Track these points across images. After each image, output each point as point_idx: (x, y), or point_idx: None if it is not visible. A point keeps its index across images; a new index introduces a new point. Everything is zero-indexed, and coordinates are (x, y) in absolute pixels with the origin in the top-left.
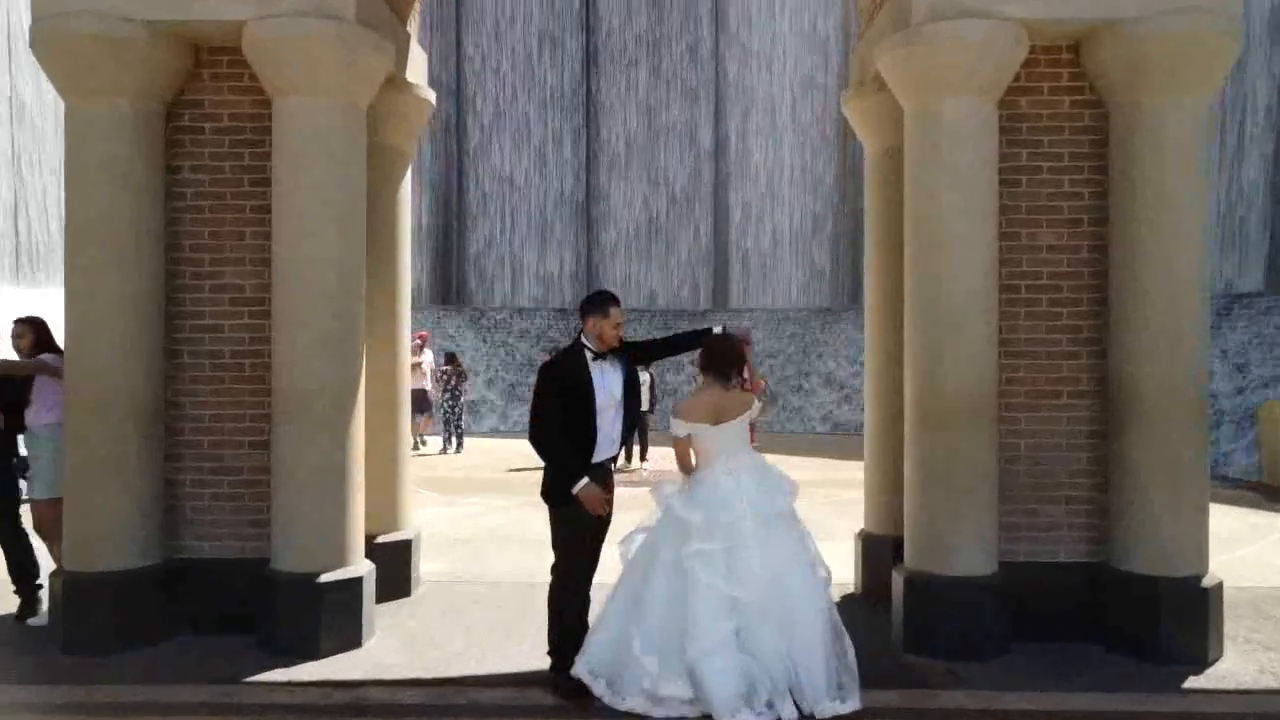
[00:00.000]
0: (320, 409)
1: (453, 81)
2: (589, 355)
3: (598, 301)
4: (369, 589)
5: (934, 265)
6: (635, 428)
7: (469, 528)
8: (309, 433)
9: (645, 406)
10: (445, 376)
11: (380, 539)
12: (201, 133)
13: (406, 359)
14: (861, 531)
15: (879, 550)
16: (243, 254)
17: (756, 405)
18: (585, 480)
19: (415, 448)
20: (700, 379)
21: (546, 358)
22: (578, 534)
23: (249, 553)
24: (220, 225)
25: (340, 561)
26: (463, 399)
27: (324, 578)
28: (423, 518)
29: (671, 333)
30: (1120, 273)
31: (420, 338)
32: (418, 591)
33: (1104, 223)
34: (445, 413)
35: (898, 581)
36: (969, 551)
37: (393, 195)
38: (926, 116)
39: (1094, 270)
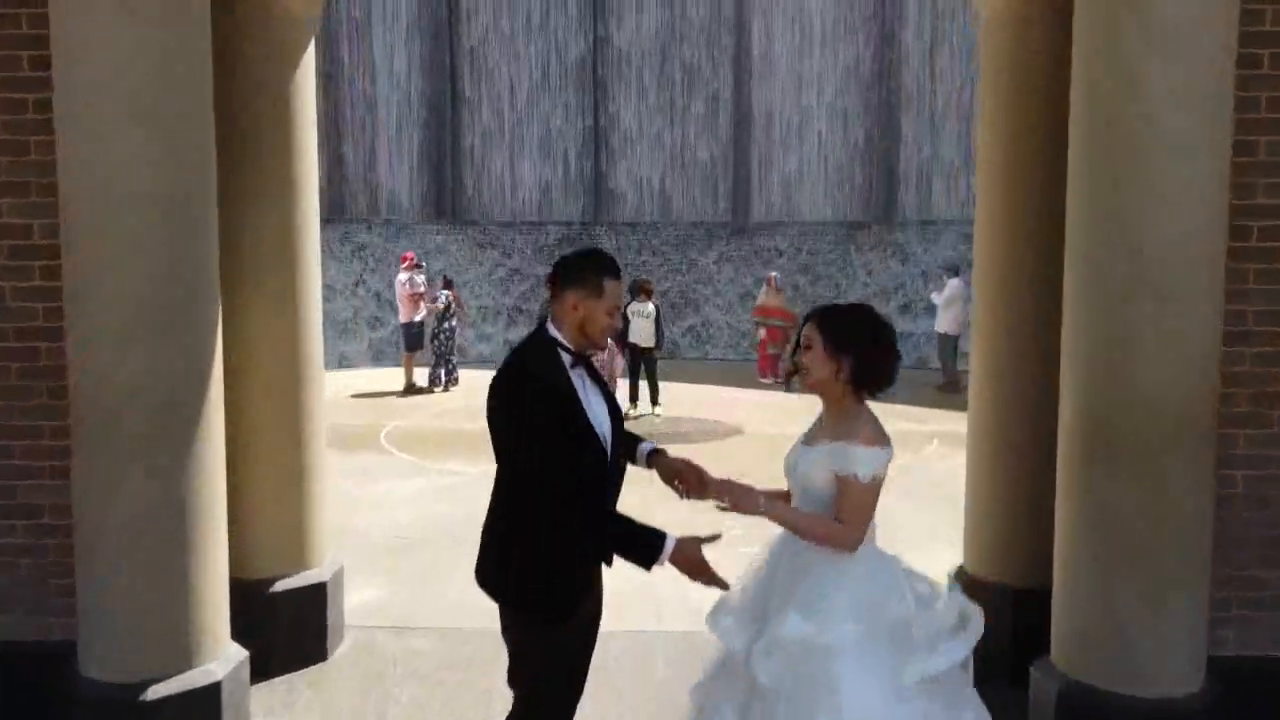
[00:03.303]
0: (134, 425)
1: None
2: (565, 359)
3: (588, 269)
4: (235, 700)
5: (1126, 191)
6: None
7: (431, 516)
8: (118, 462)
9: (652, 343)
10: (443, 304)
11: (279, 586)
12: None
13: (314, 318)
14: (959, 571)
15: (986, 602)
16: (26, 177)
17: None
18: (674, 538)
19: (414, 391)
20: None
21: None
22: (571, 663)
23: (56, 632)
24: None
25: (182, 662)
26: (458, 331)
27: (153, 692)
28: (379, 495)
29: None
30: None
31: (412, 261)
32: (337, 651)
33: None
34: (439, 345)
35: (1042, 689)
36: (1170, 657)
37: (284, 82)
38: None
39: None
